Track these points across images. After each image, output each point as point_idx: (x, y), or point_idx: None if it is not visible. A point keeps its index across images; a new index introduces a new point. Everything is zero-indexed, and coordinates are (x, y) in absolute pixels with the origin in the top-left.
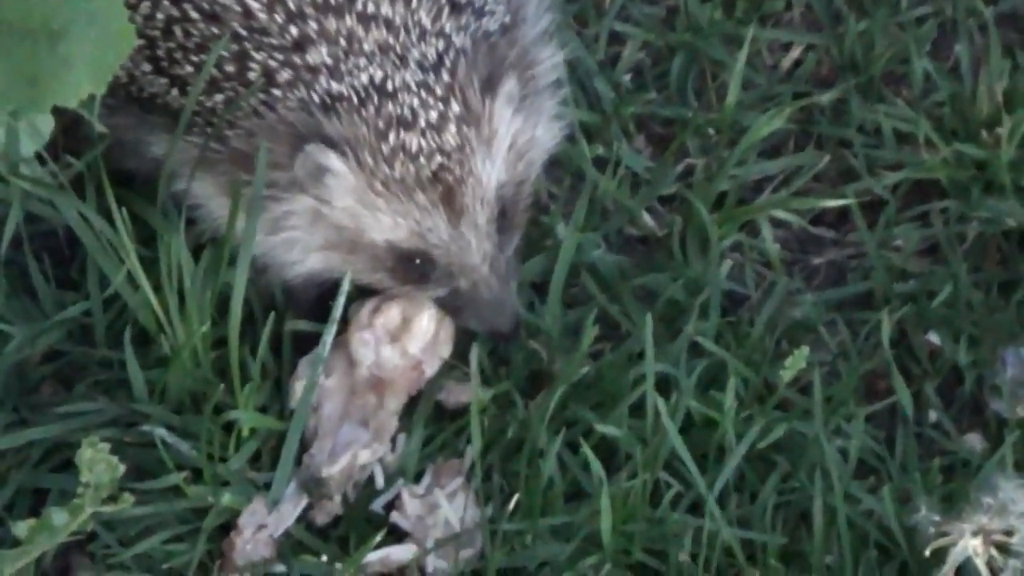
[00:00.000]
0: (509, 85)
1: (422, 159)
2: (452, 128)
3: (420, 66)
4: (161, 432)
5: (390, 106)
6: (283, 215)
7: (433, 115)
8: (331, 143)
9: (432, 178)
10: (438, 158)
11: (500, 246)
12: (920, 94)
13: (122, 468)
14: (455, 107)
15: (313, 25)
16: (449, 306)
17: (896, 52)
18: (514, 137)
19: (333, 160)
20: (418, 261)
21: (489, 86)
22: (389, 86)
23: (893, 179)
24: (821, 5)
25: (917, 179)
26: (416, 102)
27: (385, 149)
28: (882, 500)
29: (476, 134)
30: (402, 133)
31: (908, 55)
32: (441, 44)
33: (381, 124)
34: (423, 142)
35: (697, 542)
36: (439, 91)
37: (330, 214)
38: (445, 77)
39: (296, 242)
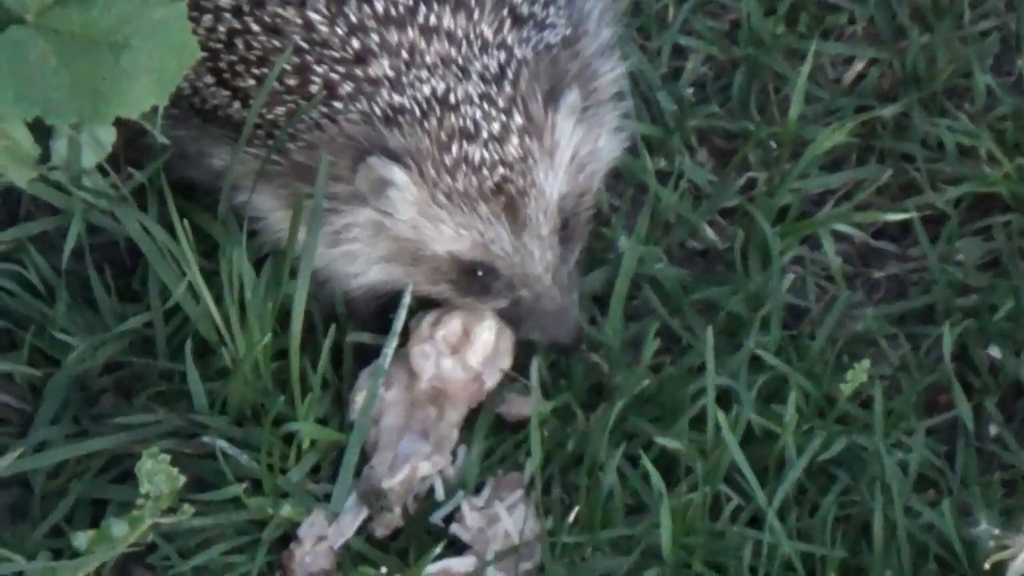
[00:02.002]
0: (571, 97)
1: (485, 171)
2: (515, 140)
3: (482, 78)
4: (221, 443)
5: (452, 118)
6: (344, 227)
7: (496, 127)
8: (393, 155)
9: (495, 189)
10: (501, 169)
11: (562, 257)
12: (982, 108)
13: (182, 479)
14: (517, 119)
15: (375, 38)
16: (511, 317)
17: (959, 66)
18: (576, 148)
19: (396, 172)
20: (480, 273)
21: (551, 98)
22: (451, 98)
23: (955, 193)
24: (884, 19)
25: (979, 193)
26: (479, 114)
27: (448, 161)
28: (942, 514)
29: (538, 145)
30: (465, 145)
31: (971, 69)
32: (503, 56)
33: (444, 136)
34: (486, 154)
35: (757, 555)
36: (501, 103)
37: (392, 226)
38: (507, 89)
39: (357, 254)
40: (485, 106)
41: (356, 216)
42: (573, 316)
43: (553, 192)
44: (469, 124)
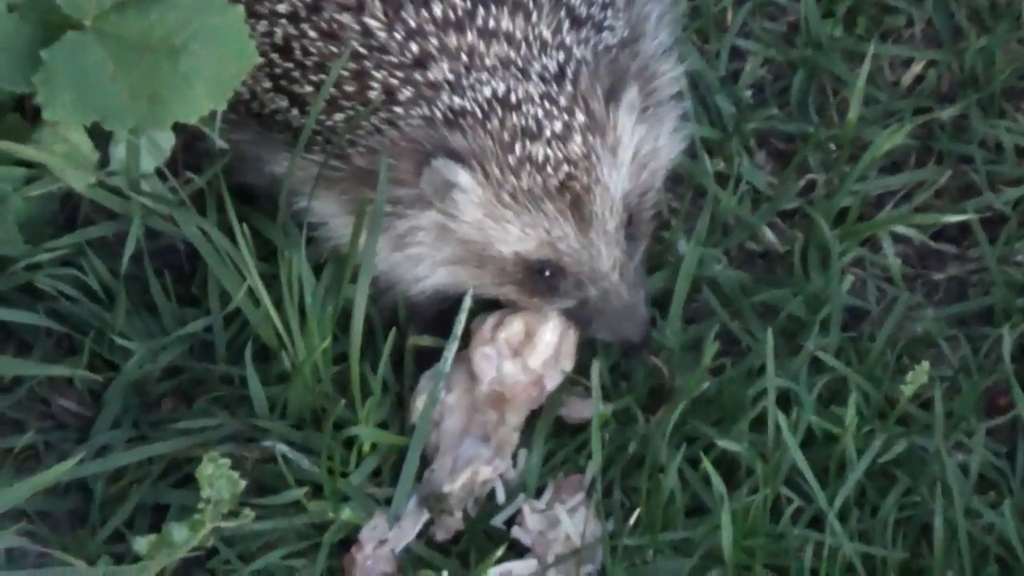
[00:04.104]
0: (631, 94)
1: (549, 169)
2: (577, 137)
3: (542, 78)
4: (282, 447)
5: (514, 118)
6: (408, 231)
7: (558, 125)
8: (457, 157)
9: (560, 187)
10: (565, 167)
11: (628, 255)
12: None
13: (243, 483)
14: (579, 116)
15: (433, 42)
16: (578, 317)
17: (1017, 67)
18: (638, 146)
19: (460, 174)
20: (547, 272)
21: (612, 95)
22: (512, 98)
23: (1014, 194)
24: (942, 21)
25: None
26: (540, 113)
27: (511, 161)
28: (1003, 515)
29: (601, 143)
30: (528, 144)
31: None
32: (562, 56)
33: (506, 136)
34: (549, 152)
35: (818, 557)
36: (563, 101)
37: (457, 228)
38: (568, 87)
39: (422, 258)
40: (547, 105)
41: (420, 219)
42: (641, 313)
43: (617, 189)
44: (531, 123)
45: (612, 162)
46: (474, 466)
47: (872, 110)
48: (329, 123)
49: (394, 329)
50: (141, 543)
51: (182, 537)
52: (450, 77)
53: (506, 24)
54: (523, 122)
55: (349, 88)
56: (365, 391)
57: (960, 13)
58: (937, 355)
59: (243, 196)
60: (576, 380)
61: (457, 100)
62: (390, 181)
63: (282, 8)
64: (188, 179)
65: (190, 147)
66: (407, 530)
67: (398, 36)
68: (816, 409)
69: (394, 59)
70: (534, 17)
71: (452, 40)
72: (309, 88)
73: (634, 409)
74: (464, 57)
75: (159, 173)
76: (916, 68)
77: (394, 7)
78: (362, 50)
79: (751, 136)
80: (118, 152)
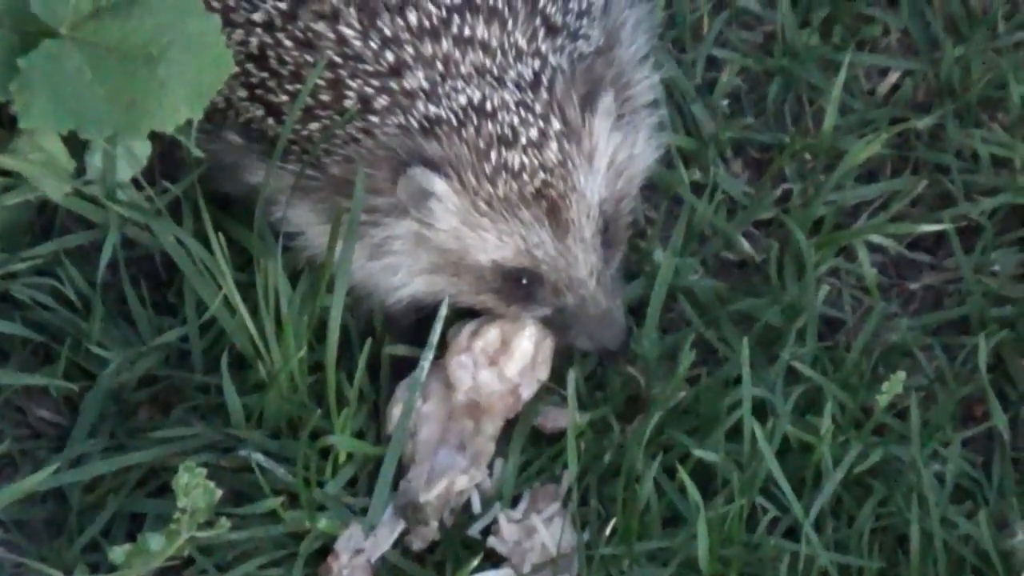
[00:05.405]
0: (607, 102)
1: (525, 176)
2: (553, 145)
3: (518, 86)
4: (258, 457)
5: (490, 125)
6: (385, 240)
7: (533, 132)
8: (433, 166)
9: (536, 194)
10: (541, 174)
11: (605, 262)
12: (1017, 119)
13: (219, 493)
14: (555, 124)
15: (409, 50)
16: (555, 325)
17: (993, 77)
18: (614, 153)
19: (436, 182)
20: (524, 280)
21: (588, 103)
22: (488, 106)
23: (990, 204)
24: (918, 30)
25: (1014, 204)
26: (516, 120)
27: (487, 168)
28: (979, 525)
29: (577, 150)
30: (503, 151)
31: (1005, 80)
32: (537, 64)
33: (482, 144)
34: (525, 159)
35: (794, 567)
36: (538, 108)
37: (434, 237)
38: (544, 95)
39: (399, 267)
40: (522, 112)
41: (397, 228)
42: (619, 320)
43: (593, 196)
44: (507, 131)
45: (588, 169)
46: (450, 475)
47: (848, 119)
48: (305, 132)
49: (370, 338)
50: (117, 552)
51: (158, 546)
52: (425, 85)
53: (481, 32)
54: (499, 130)
55: (325, 97)
56: (341, 400)
57: (936, 23)
58: (913, 365)
59: (220, 205)
60: (552, 389)
61: (432, 108)
62: (366, 190)
63: (257, 17)
64: (164, 188)
65: (166, 156)
66: (383, 539)
67: (373, 45)
68: (792, 419)
69: (369, 68)
70: (509, 25)
71: (427, 48)
72: (285, 97)
73: (610, 418)
74: (439, 65)
75: (135, 182)
76: (892, 77)
77: (369, 15)
78: (337, 59)
79: (727, 145)
80: (94, 161)
